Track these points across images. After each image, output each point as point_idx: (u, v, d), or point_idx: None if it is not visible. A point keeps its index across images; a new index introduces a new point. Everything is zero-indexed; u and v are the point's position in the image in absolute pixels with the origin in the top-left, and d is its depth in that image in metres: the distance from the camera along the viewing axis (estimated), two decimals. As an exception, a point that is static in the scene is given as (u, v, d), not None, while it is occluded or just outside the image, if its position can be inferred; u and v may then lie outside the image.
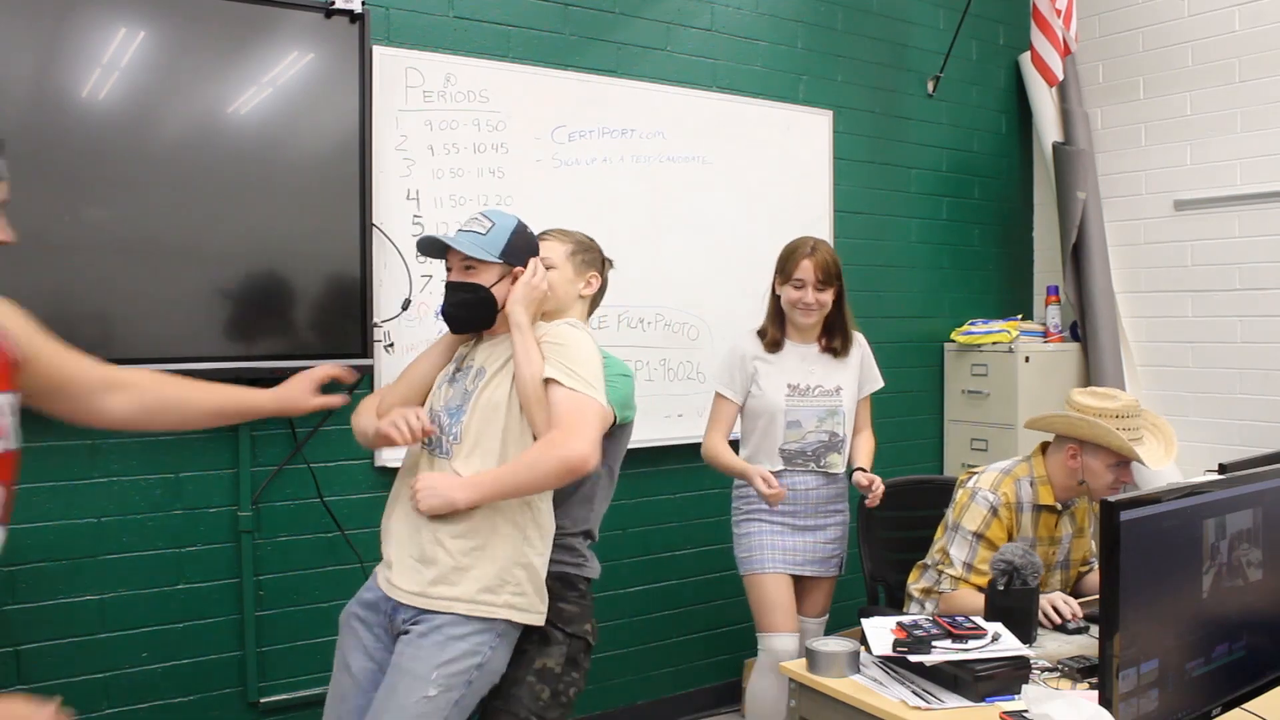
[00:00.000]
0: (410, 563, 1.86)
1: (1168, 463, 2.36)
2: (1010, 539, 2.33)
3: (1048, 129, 4.08)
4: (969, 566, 2.31)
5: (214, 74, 2.47)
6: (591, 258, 2.19)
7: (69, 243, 2.32)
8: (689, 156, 3.36)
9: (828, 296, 2.67)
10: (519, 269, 1.95)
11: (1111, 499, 1.39)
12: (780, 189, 3.57)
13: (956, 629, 1.82)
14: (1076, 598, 2.46)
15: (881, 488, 2.61)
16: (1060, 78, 3.70)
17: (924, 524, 2.68)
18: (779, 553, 2.69)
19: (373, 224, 2.72)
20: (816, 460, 2.70)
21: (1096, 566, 2.48)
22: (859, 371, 2.80)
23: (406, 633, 1.84)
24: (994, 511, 2.33)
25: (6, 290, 2.26)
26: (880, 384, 2.88)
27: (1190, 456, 3.85)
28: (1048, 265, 4.32)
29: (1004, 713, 1.62)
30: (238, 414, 1.95)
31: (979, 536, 2.32)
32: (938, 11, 4.05)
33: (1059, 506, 2.39)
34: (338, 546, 2.77)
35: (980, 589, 2.23)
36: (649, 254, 3.27)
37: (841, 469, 2.74)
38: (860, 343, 2.81)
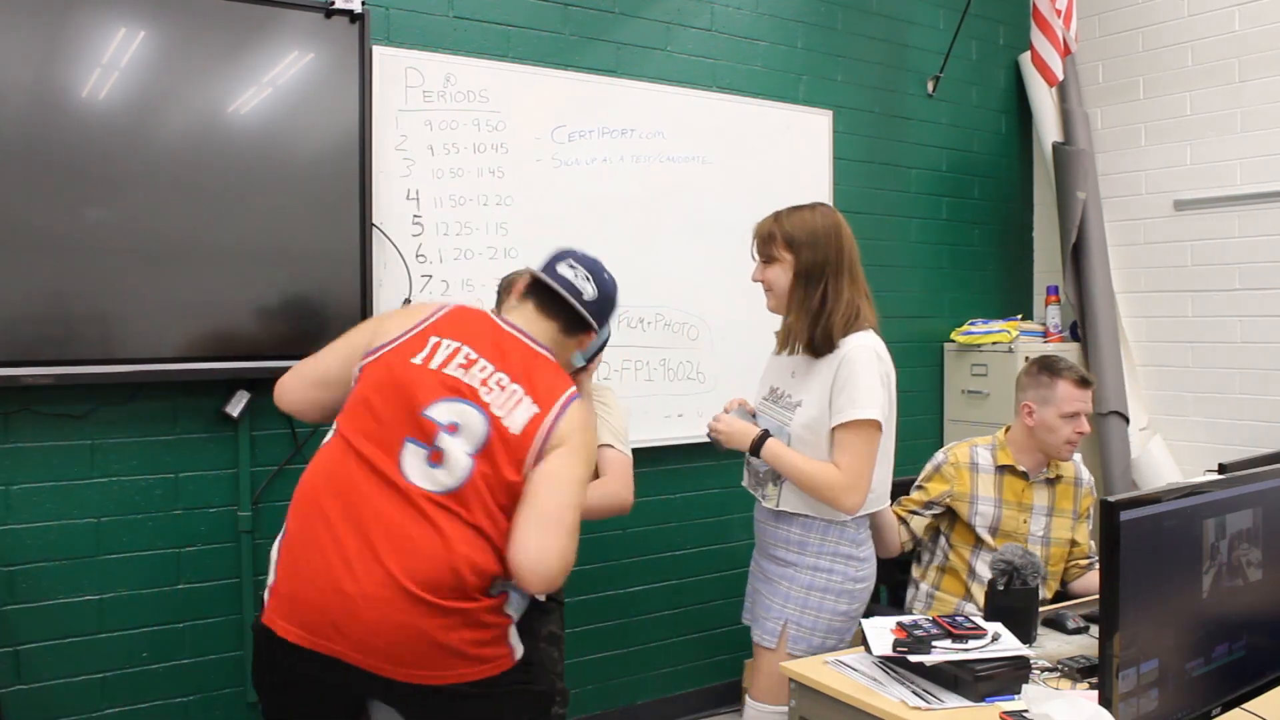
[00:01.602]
0: None
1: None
2: (955, 497, 2.51)
3: (1048, 129, 4.08)
4: (899, 502, 2.58)
5: (214, 74, 2.47)
6: None
7: (69, 243, 2.32)
8: (689, 156, 3.36)
9: (772, 274, 2.16)
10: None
11: (1111, 499, 1.39)
12: (780, 189, 3.56)
13: (956, 629, 1.82)
14: (1076, 597, 2.49)
15: None
16: (1060, 78, 3.70)
17: (924, 524, 2.68)
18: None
19: (373, 224, 2.72)
20: (761, 486, 2.23)
21: (1096, 565, 2.50)
22: (829, 390, 2.08)
23: None
24: (937, 468, 2.57)
25: (6, 290, 2.27)
26: (851, 416, 2.04)
27: (1190, 456, 3.86)
28: (1048, 265, 4.32)
29: (1004, 713, 1.62)
30: None
31: (920, 487, 2.59)
32: (938, 11, 4.05)
33: (1021, 469, 2.50)
34: (338, 546, 2.77)
35: (902, 518, 2.55)
36: (649, 254, 3.27)
37: (791, 507, 2.15)
38: (846, 352, 2.09)
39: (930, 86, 4.03)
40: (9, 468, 2.39)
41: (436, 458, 1.65)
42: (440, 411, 1.67)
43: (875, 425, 2.07)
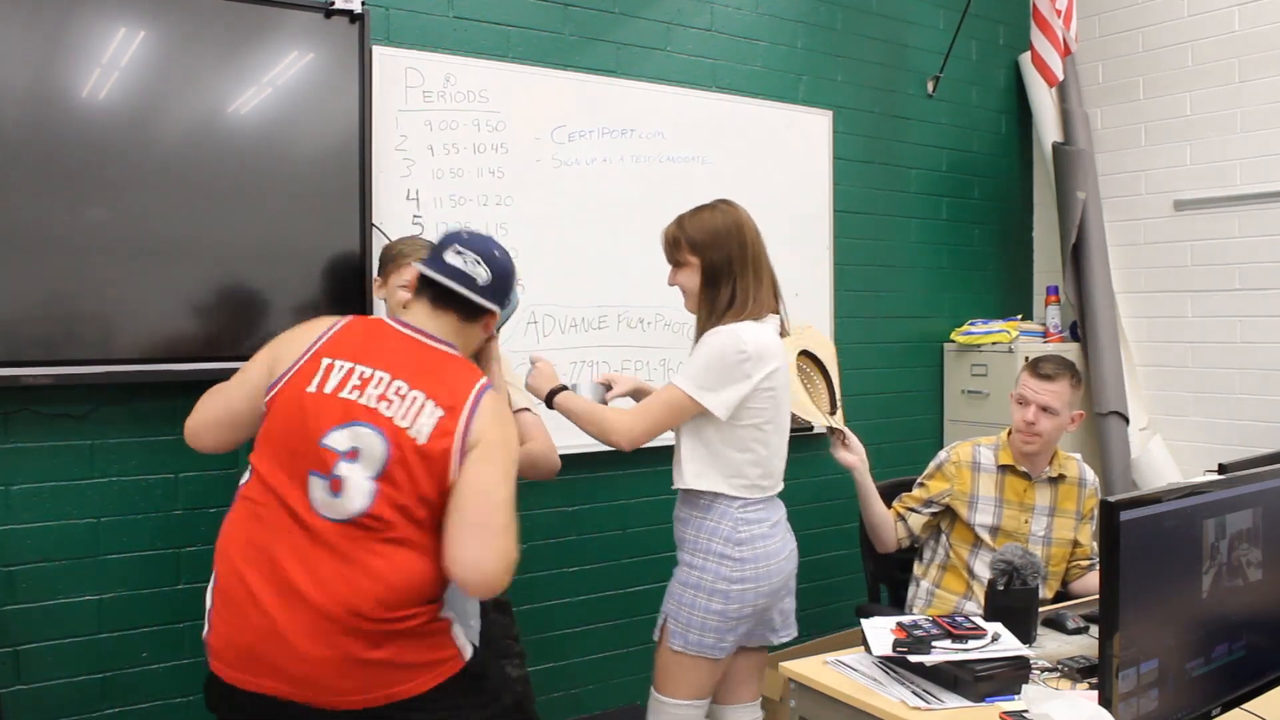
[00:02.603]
0: None
1: None
2: (955, 496, 2.54)
3: (1048, 129, 4.08)
4: (900, 499, 2.65)
5: (214, 74, 2.47)
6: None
7: (69, 243, 2.31)
8: (689, 156, 3.36)
9: (682, 277, 2.19)
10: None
11: (1111, 499, 1.39)
12: (780, 189, 3.57)
13: (956, 629, 1.82)
14: (1076, 597, 2.49)
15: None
16: (1060, 78, 3.70)
17: (924, 524, 2.68)
18: None
19: (373, 224, 2.72)
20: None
21: (1097, 565, 2.50)
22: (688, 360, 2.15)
23: None
24: (939, 466, 2.61)
25: (6, 290, 2.27)
26: (678, 382, 2.11)
27: (1190, 456, 3.86)
28: (1047, 265, 4.32)
29: (1004, 713, 1.62)
30: None
31: (920, 484, 2.63)
32: (938, 11, 4.05)
33: (1022, 468, 2.52)
34: (337, 546, 2.77)
35: (900, 515, 2.61)
36: (649, 254, 3.24)
37: (676, 483, 2.23)
38: (706, 340, 2.11)
39: (930, 86, 4.03)
40: (9, 468, 2.39)
41: (336, 486, 1.63)
42: (337, 439, 1.64)
43: (682, 395, 2.08)
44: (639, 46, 3.29)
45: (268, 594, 1.61)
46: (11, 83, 2.26)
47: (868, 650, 1.84)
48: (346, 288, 2.66)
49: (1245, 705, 1.61)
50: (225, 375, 2.49)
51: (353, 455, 1.63)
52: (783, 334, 2.21)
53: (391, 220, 2.80)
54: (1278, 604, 1.69)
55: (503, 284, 1.85)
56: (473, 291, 1.80)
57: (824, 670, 1.86)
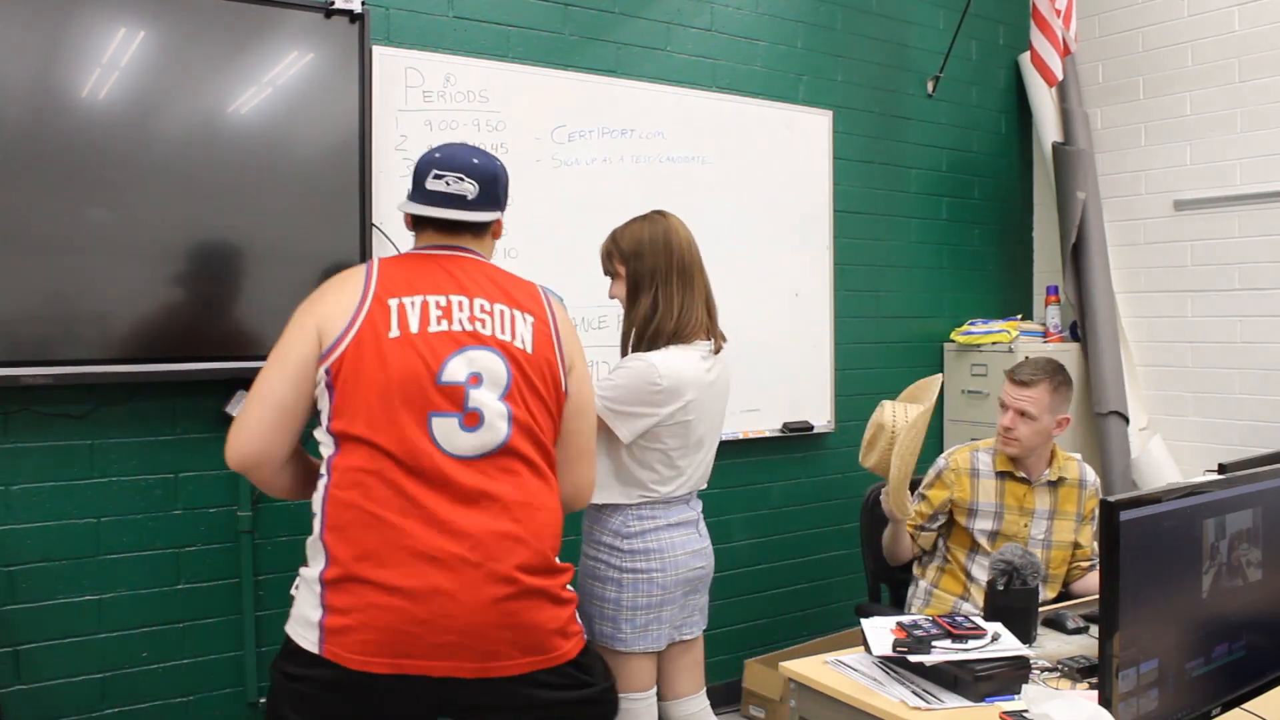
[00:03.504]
0: None
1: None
2: (956, 503, 2.55)
3: (1047, 129, 4.08)
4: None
5: (214, 74, 2.47)
6: None
7: (69, 243, 2.32)
8: (689, 156, 3.36)
9: (617, 289, 2.20)
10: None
11: (1111, 499, 1.39)
12: (780, 189, 3.57)
13: (956, 629, 1.82)
14: (1076, 597, 2.49)
15: None
16: (1060, 78, 3.70)
17: (924, 524, 2.68)
18: None
19: (373, 224, 2.72)
20: None
21: (1097, 566, 2.50)
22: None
23: None
24: (938, 474, 2.61)
25: (6, 290, 2.27)
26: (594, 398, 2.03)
27: (1190, 456, 3.86)
28: (1047, 265, 4.32)
29: (1004, 713, 1.62)
30: None
31: (921, 496, 2.62)
32: (938, 11, 4.05)
33: (1020, 474, 2.52)
34: (337, 546, 2.77)
35: (910, 534, 2.60)
36: (649, 254, 3.26)
37: None
38: (626, 364, 2.11)
39: (930, 86, 4.03)
40: (9, 468, 2.39)
41: (473, 420, 1.55)
42: (454, 370, 1.56)
43: (604, 423, 2.06)
44: (639, 46, 3.29)
45: (426, 559, 1.51)
46: (11, 83, 2.26)
47: (868, 650, 1.84)
48: (346, 288, 2.66)
49: (1245, 705, 1.61)
50: (226, 375, 2.53)
51: (475, 381, 1.57)
52: (716, 350, 2.19)
53: (391, 220, 2.80)
54: (1278, 604, 1.69)
55: (492, 188, 1.76)
56: (467, 210, 1.72)
57: (824, 670, 1.85)
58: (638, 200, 3.23)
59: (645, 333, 2.13)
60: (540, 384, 1.63)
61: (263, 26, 2.53)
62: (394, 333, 1.58)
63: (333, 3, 2.61)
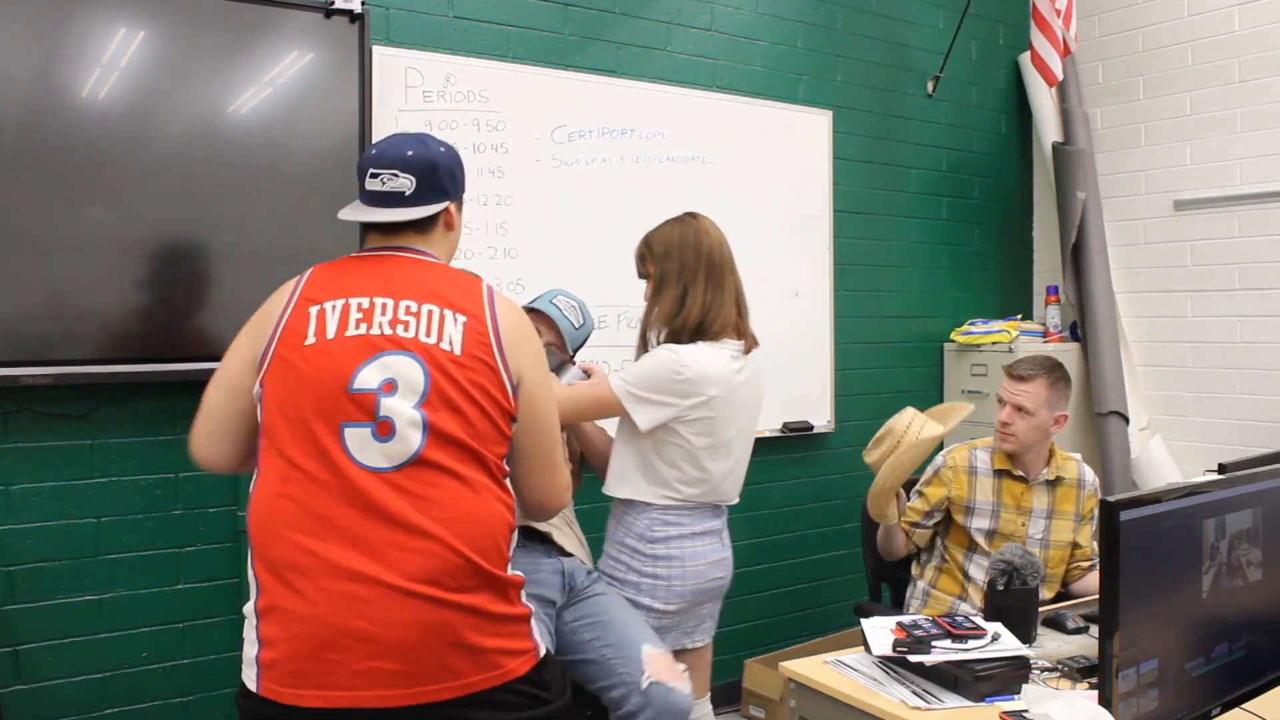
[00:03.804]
0: None
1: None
2: (953, 501, 2.55)
3: (1047, 129, 4.08)
4: (902, 510, 2.62)
5: (214, 74, 2.47)
6: None
7: (69, 243, 2.32)
8: (689, 156, 3.36)
9: (648, 290, 2.20)
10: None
11: (1111, 499, 1.39)
12: (780, 189, 3.57)
13: (956, 629, 1.82)
14: (1075, 597, 2.49)
15: None
16: (1060, 78, 3.70)
17: (924, 524, 2.68)
18: None
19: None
20: None
21: (1097, 566, 2.50)
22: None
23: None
24: (936, 471, 2.62)
25: (6, 290, 2.27)
26: (613, 381, 2.10)
27: (1190, 456, 3.86)
28: (1047, 265, 4.32)
29: (1004, 713, 1.62)
30: None
31: (919, 493, 2.62)
32: (938, 11, 4.05)
33: (1018, 472, 2.53)
34: (337, 546, 2.77)
35: (905, 530, 2.60)
36: (649, 254, 3.26)
37: (604, 488, 2.24)
38: (653, 353, 2.11)
39: (930, 86, 4.03)
40: (9, 468, 2.39)
41: (385, 429, 1.45)
42: (366, 377, 1.47)
43: (613, 397, 2.07)
44: (639, 46, 3.29)
45: (343, 585, 1.41)
46: (11, 83, 2.26)
47: (868, 650, 1.84)
48: (346, 288, 2.66)
49: (1245, 705, 1.61)
50: (225, 375, 2.53)
51: (389, 388, 1.46)
52: (747, 350, 2.18)
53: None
54: (1278, 604, 1.69)
55: (431, 176, 1.65)
56: (404, 206, 1.63)
57: (824, 670, 1.85)
58: (638, 200, 3.24)
59: (669, 328, 2.11)
60: (471, 387, 1.50)
61: (263, 26, 2.53)
62: (309, 340, 1.51)
63: (333, 3, 2.61)
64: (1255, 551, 1.64)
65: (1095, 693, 1.45)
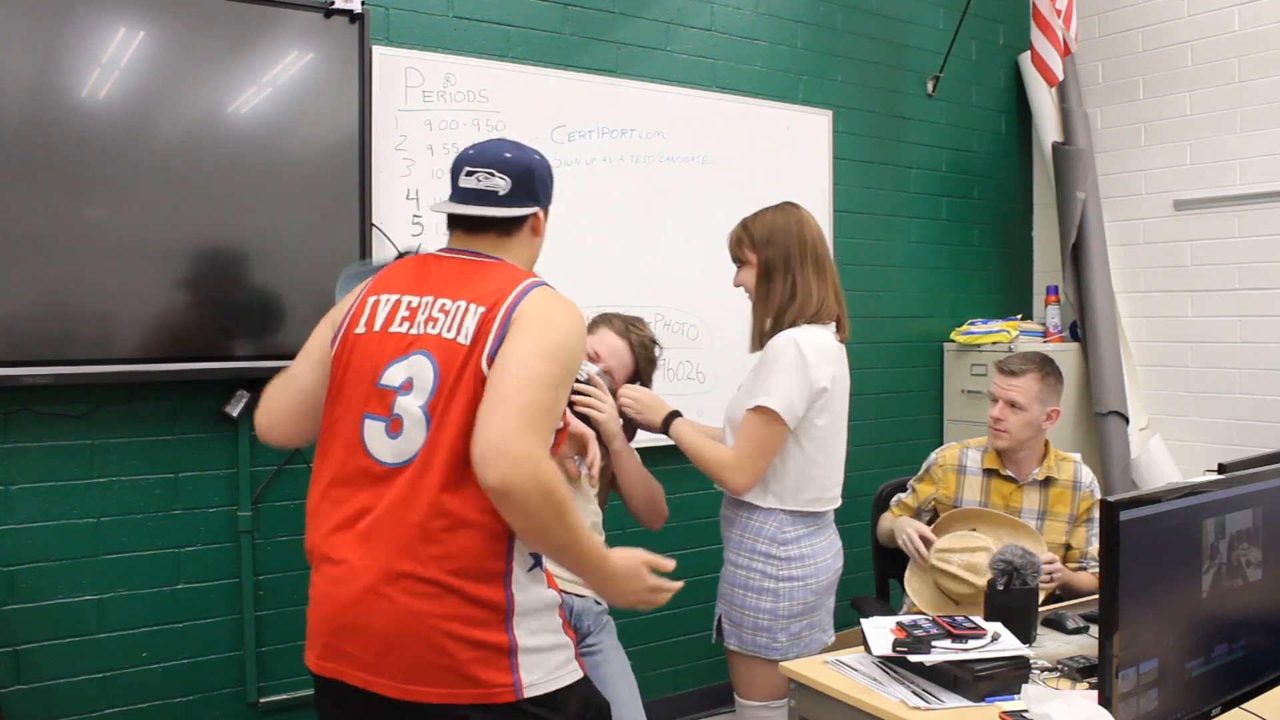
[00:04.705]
0: None
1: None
2: (940, 500, 2.56)
3: (1047, 129, 4.08)
4: (898, 500, 2.69)
5: (214, 74, 2.47)
6: None
7: (69, 243, 2.32)
8: (689, 156, 3.36)
9: (744, 276, 2.22)
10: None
11: (1111, 499, 1.39)
12: (780, 189, 3.54)
13: (956, 629, 1.82)
14: (1076, 597, 2.48)
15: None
16: (1060, 78, 3.70)
17: (924, 523, 2.68)
18: None
19: (373, 224, 2.72)
20: None
21: (1089, 568, 2.50)
22: (752, 378, 2.16)
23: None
24: (927, 470, 2.63)
25: (6, 290, 2.27)
26: (753, 402, 2.09)
27: (1190, 456, 3.86)
28: (1047, 265, 4.32)
29: (1004, 713, 1.62)
30: None
31: (911, 488, 2.66)
32: (938, 11, 4.05)
33: (1007, 472, 2.52)
34: (337, 546, 2.77)
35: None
36: (649, 254, 3.27)
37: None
38: (772, 342, 2.11)
39: (930, 86, 4.03)
40: (9, 468, 2.39)
41: (396, 426, 1.50)
42: (393, 374, 1.53)
43: (774, 415, 2.06)
44: (639, 46, 3.29)
45: (346, 559, 1.49)
46: (11, 83, 2.26)
47: (867, 650, 1.84)
48: (346, 288, 2.66)
49: (1245, 705, 1.61)
50: (226, 375, 2.53)
51: (407, 386, 1.51)
52: (843, 339, 2.21)
53: (391, 220, 2.80)
54: (1278, 604, 1.69)
55: (526, 181, 1.67)
56: (496, 206, 1.64)
57: (824, 670, 1.85)
58: (638, 200, 3.24)
59: (783, 317, 2.12)
60: (472, 378, 1.47)
61: (263, 26, 2.52)
62: (360, 329, 1.59)
63: (333, 3, 2.61)
64: (1255, 551, 1.64)
65: (1095, 693, 1.45)
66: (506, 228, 1.67)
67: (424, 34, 2.88)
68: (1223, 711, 1.59)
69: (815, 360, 2.07)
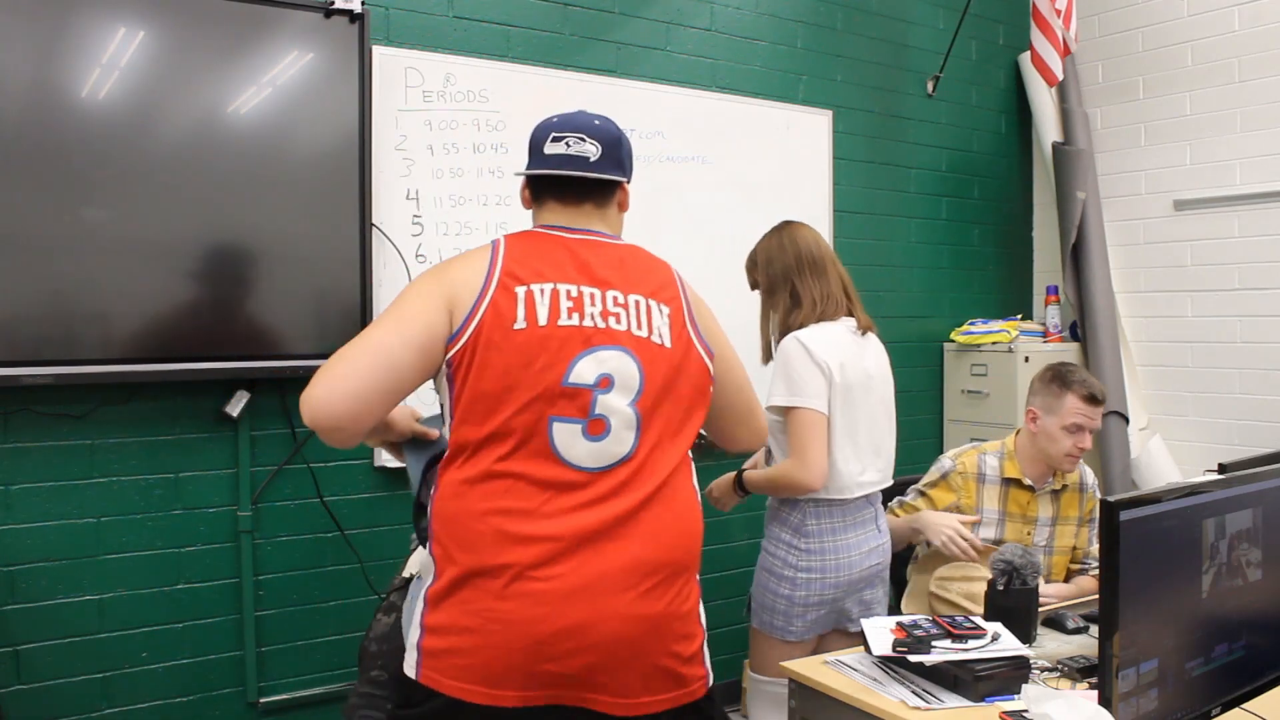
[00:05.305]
0: None
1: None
2: (961, 509, 2.47)
3: (1047, 129, 4.08)
4: (900, 503, 2.56)
5: (214, 74, 2.47)
6: None
7: (69, 243, 2.32)
8: (689, 156, 3.35)
9: (761, 298, 2.38)
10: None
11: (1111, 499, 1.39)
12: (780, 189, 3.56)
13: (956, 629, 1.82)
14: (1075, 597, 2.48)
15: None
16: (1060, 78, 3.70)
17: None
18: None
19: (372, 224, 2.72)
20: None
21: (1089, 569, 2.49)
22: (770, 387, 2.26)
23: None
24: (944, 476, 2.51)
25: (6, 290, 2.27)
26: (787, 403, 2.21)
27: (1190, 456, 3.86)
28: (1047, 265, 4.32)
29: (1004, 713, 1.62)
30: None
31: (921, 493, 2.54)
32: (938, 11, 4.05)
33: (1027, 481, 2.45)
34: (337, 547, 2.77)
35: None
36: (649, 254, 3.26)
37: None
38: (779, 350, 2.25)
39: (930, 86, 4.03)
40: (9, 468, 2.39)
41: (598, 428, 1.39)
42: (583, 371, 1.41)
43: (800, 410, 2.18)
44: (639, 46, 3.29)
45: (553, 580, 1.36)
46: (11, 83, 2.26)
47: (868, 650, 1.84)
48: (346, 288, 2.66)
49: (1245, 705, 1.61)
50: (225, 375, 2.53)
51: (605, 384, 1.41)
52: (863, 330, 2.33)
53: (391, 220, 2.80)
54: (1278, 604, 1.69)
55: (616, 151, 1.60)
56: (591, 170, 1.56)
57: (824, 670, 1.85)
58: (638, 200, 3.22)
59: (791, 324, 2.25)
60: (683, 382, 1.46)
61: (263, 26, 2.53)
62: (519, 324, 1.42)
63: (333, 3, 2.61)
64: (1255, 551, 1.64)
65: (1095, 693, 1.45)
66: (602, 198, 1.61)
67: (424, 34, 2.88)
68: (1223, 711, 1.58)
69: (818, 349, 2.19)
